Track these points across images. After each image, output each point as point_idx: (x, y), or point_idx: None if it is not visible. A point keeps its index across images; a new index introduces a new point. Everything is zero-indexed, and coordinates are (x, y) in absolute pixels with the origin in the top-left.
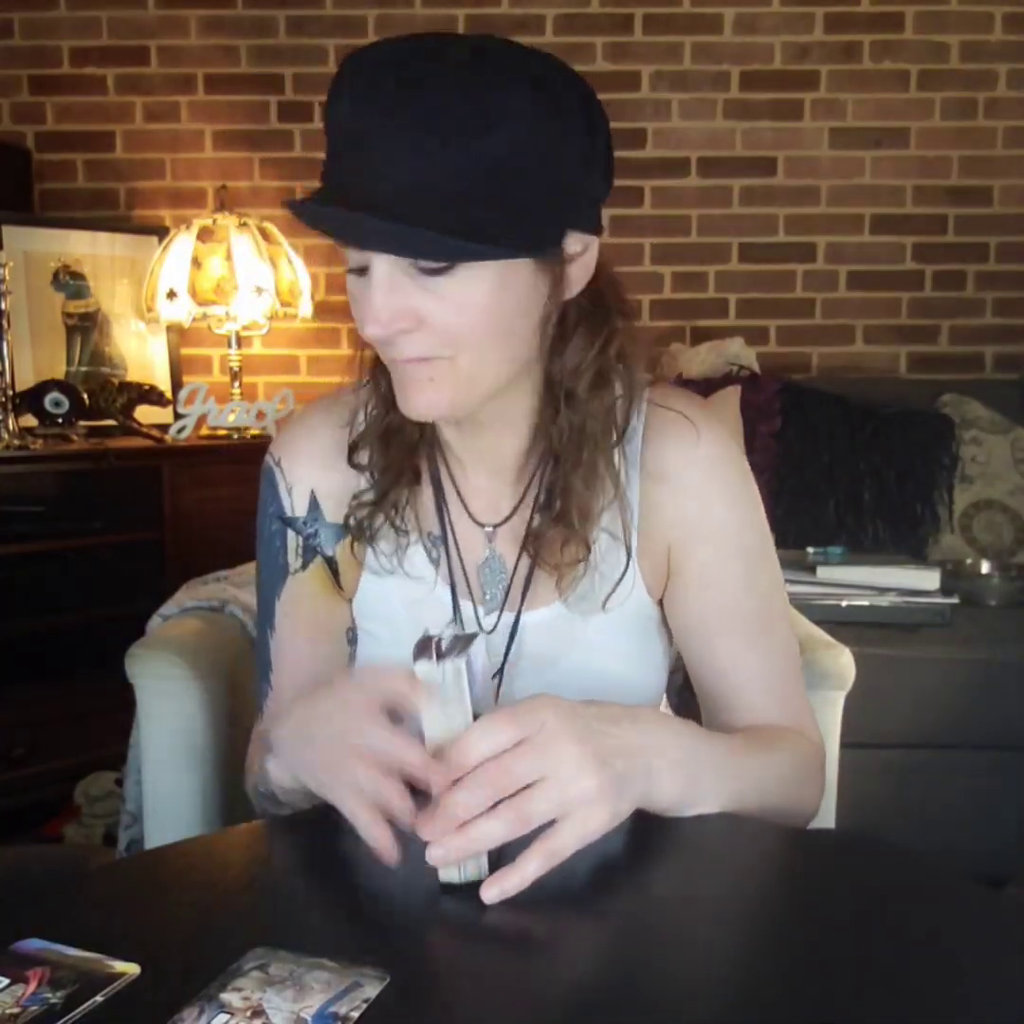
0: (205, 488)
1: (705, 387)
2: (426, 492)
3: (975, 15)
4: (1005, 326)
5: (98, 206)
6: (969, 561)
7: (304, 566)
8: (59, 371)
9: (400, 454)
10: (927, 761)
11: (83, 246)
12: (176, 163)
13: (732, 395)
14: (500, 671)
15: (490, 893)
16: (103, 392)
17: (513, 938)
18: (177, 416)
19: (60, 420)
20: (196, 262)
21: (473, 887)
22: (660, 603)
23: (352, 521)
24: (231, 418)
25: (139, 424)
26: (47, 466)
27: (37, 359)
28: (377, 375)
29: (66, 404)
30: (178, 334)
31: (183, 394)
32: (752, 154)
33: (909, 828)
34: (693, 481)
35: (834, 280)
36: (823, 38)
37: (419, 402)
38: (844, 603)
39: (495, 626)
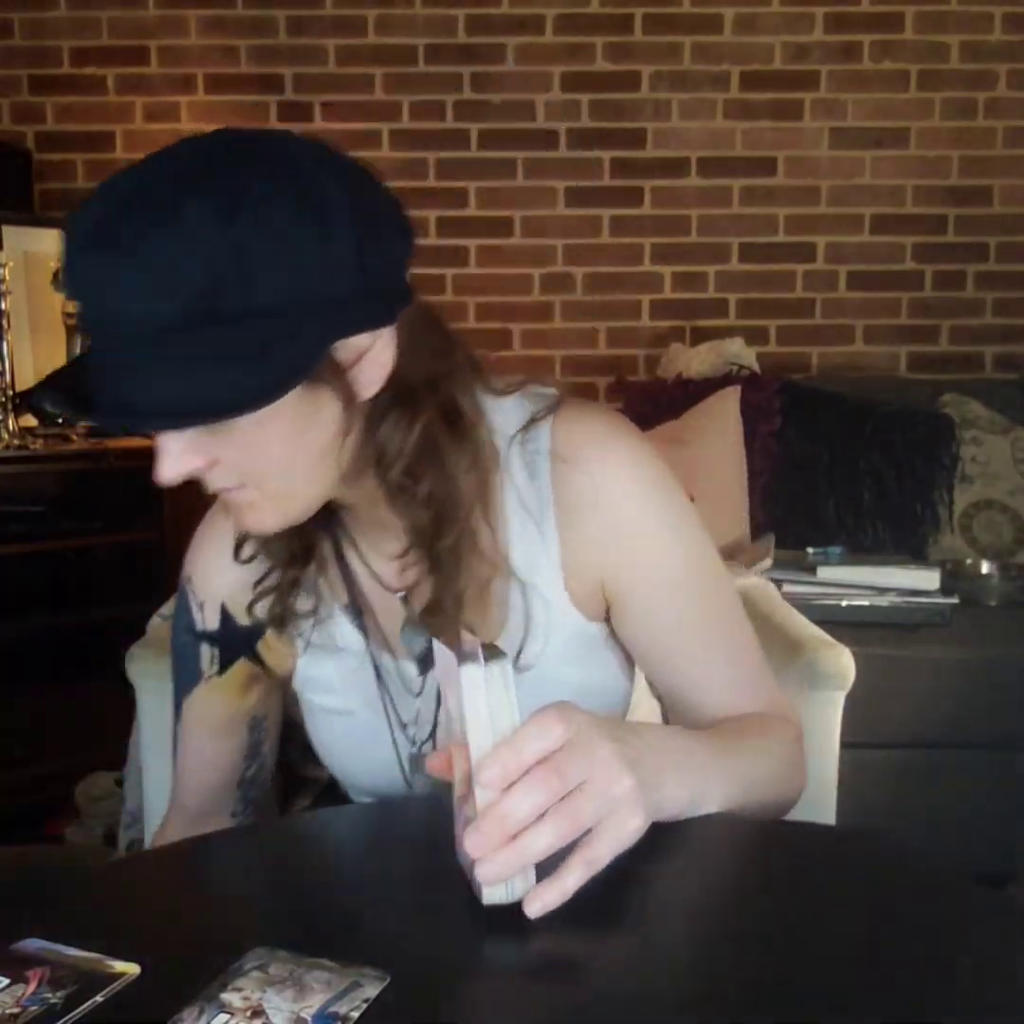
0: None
1: (705, 387)
2: (333, 566)
3: (975, 15)
4: (1005, 326)
5: None
6: (969, 561)
7: (221, 671)
8: None
9: (291, 539)
10: (927, 761)
11: None
12: None
13: (732, 395)
14: (433, 728)
15: (533, 908)
16: None
17: (513, 938)
18: None
19: (60, 420)
20: None
21: (515, 905)
22: (607, 619)
23: (262, 611)
24: None
25: None
26: (47, 466)
27: (37, 359)
28: None
29: None
30: None
31: None
32: (752, 154)
33: (909, 828)
34: (611, 506)
35: (834, 280)
36: (823, 38)
37: (247, 523)
38: (844, 603)
39: (422, 688)
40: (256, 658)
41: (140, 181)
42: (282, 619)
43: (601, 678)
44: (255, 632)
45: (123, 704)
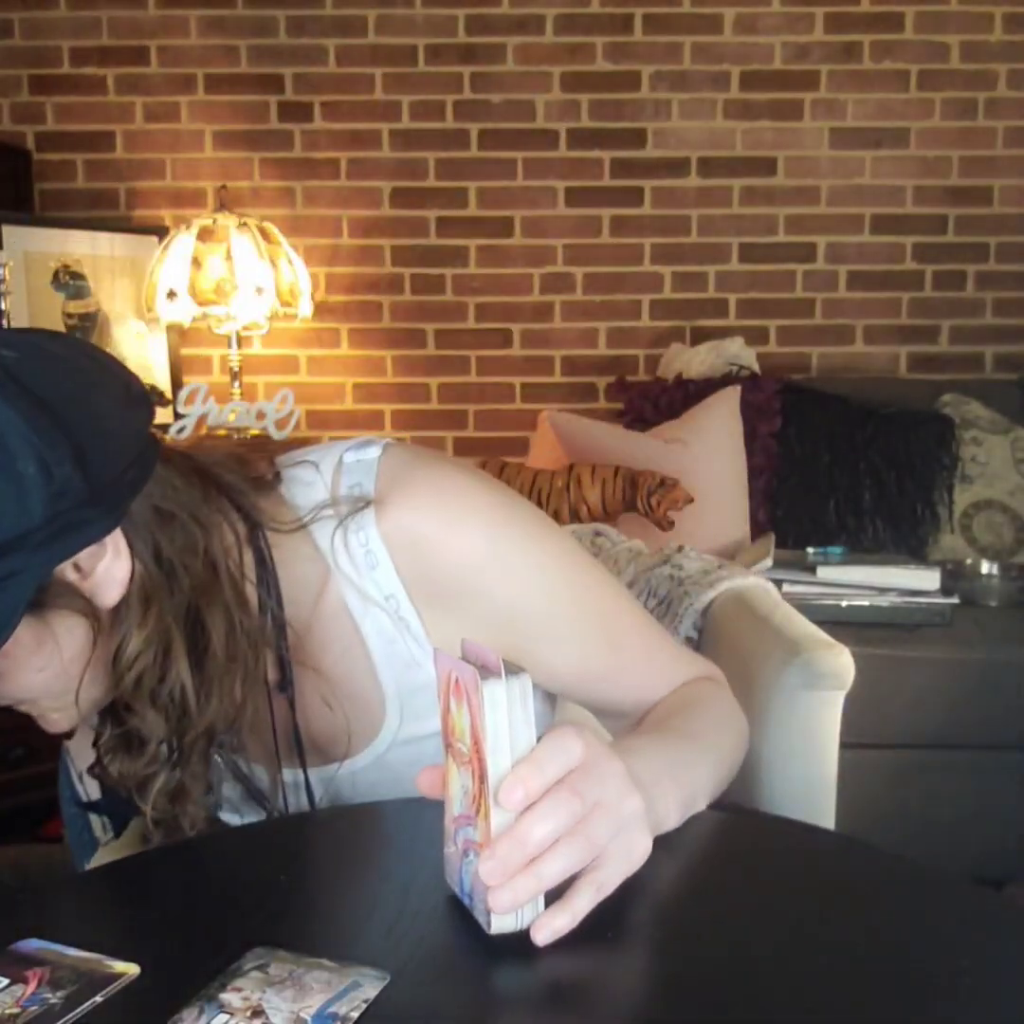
0: None
1: (705, 387)
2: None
3: (975, 15)
4: (1005, 326)
5: (98, 206)
6: (969, 561)
7: (117, 834)
8: None
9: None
10: (927, 761)
11: (83, 246)
12: (176, 163)
13: (732, 395)
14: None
15: (542, 935)
16: None
17: (514, 938)
18: (177, 416)
19: None
20: (196, 262)
21: (522, 934)
22: None
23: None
24: (231, 418)
25: None
26: None
27: None
28: None
29: None
30: (178, 334)
31: (183, 394)
32: (752, 154)
33: (909, 828)
34: (469, 582)
35: (834, 280)
36: (823, 38)
37: (47, 728)
38: (844, 603)
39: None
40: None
41: None
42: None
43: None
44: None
45: None
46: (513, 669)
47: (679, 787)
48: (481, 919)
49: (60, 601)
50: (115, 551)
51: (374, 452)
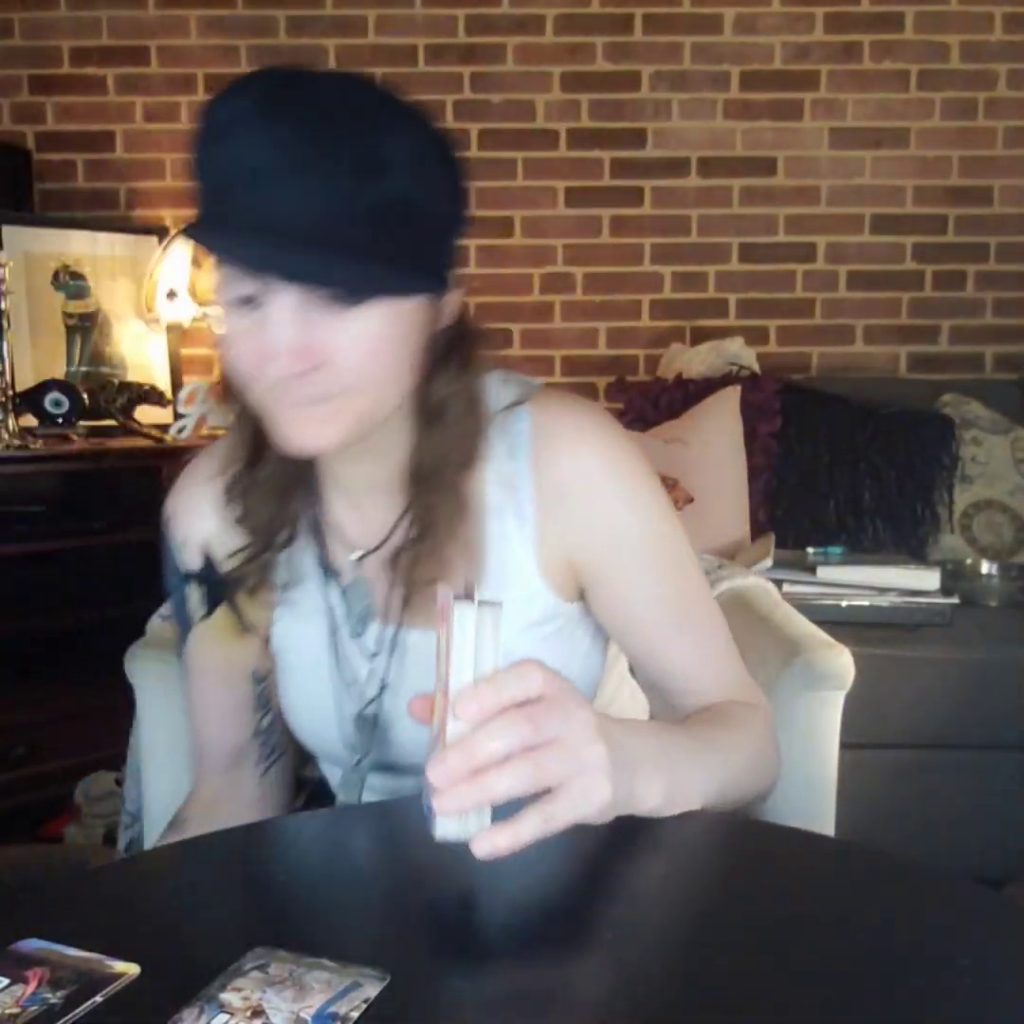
0: None
1: (705, 387)
2: (304, 528)
3: (975, 15)
4: (1005, 326)
5: (98, 206)
6: (969, 561)
7: (207, 614)
8: (59, 371)
9: (271, 506)
10: (927, 761)
11: (83, 246)
12: (176, 163)
13: (732, 395)
14: (381, 690)
15: (482, 847)
16: (103, 392)
17: (514, 938)
18: (177, 416)
19: (60, 420)
20: (196, 262)
21: (464, 846)
22: (582, 599)
23: (237, 576)
24: (231, 418)
25: (139, 424)
26: (47, 466)
27: (37, 359)
28: (241, 424)
29: (66, 404)
30: (178, 334)
31: (183, 394)
32: (752, 154)
33: (909, 828)
34: (587, 490)
35: (834, 280)
36: (823, 38)
37: (305, 438)
38: (844, 603)
39: (377, 649)
40: (236, 609)
41: (348, 96)
42: (257, 585)
43: (567, 660)
44: (235, 582)
45: (123, 704)
46: (489, 601)
47: (664, 772)
48: (430, 826)
49: (436, 296)
50: (459, 290)
51: (534, 380)
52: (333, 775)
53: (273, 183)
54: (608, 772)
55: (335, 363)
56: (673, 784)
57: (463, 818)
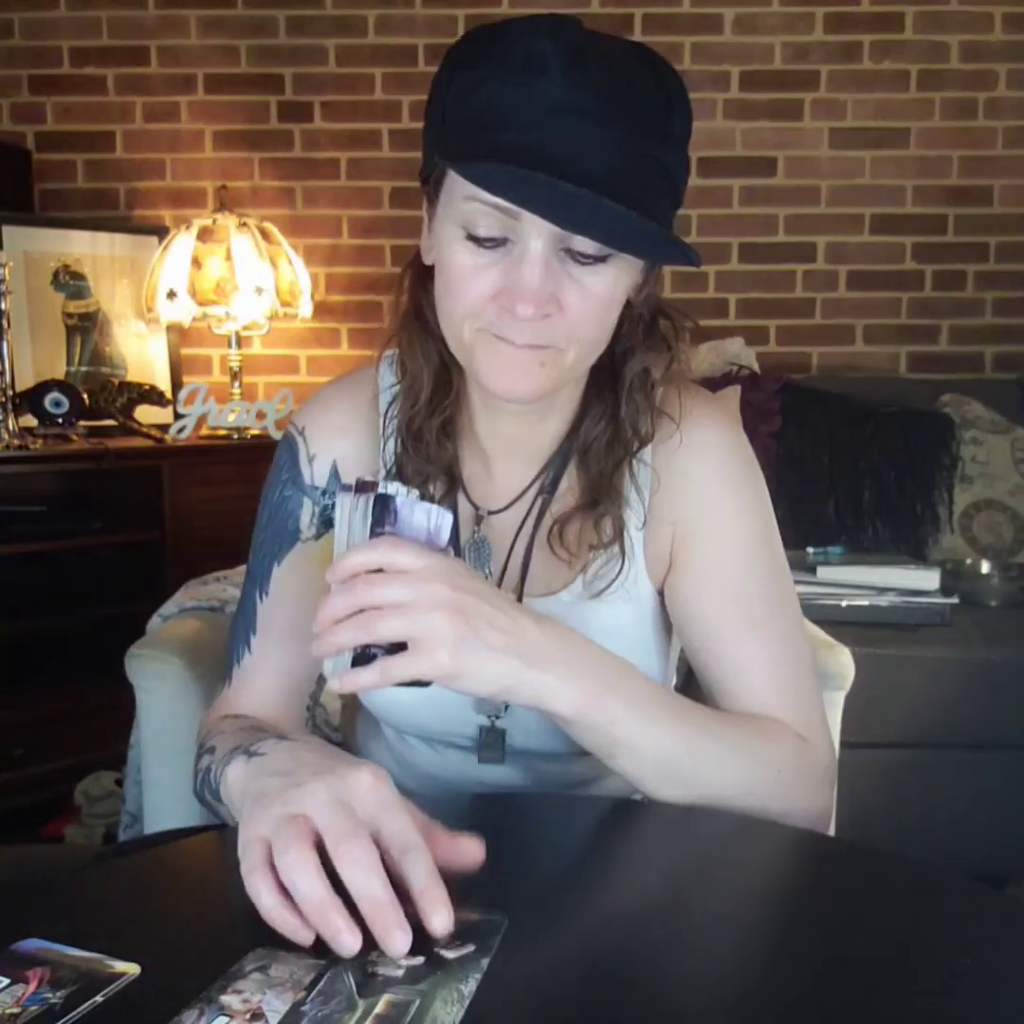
0: (205, 488)
1: (705, 387)
2: (444, 470)
3: (975, 15)
4: (1005, 326)
5: (98, 206)
6: (969, 561)
7: (317, 536)
8: (59, 371)
9: (441, 451)
10: (927, 761)
11: (83, 246)
12: (176, 163)
13: (732, 395)
14: None
15: (332, 683)
16: (103, 392)
17: (513, 939)
18: (177, 416)
19: (60, 420)
20: (196, 262)
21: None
22: (660, 593)
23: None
24: (231, 418)
25: (139, 424)
26: (47, 466)
27: (37, 359)
28: (426, 362)
29: (66, 404)
30: (178, 334)
31: (183, 394)
32: (752, 154)
33: (909, 828)
34: (696, 472)
35: (834, 280)
36: (823, 38)
37: (513, 382)
38: (844, 603)
39: None
40: None
41: (646, 64)
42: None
43: (643, 650)
44: None
45: (123, 704)
46: (369, 489)
47: (588, 683)
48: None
49: (645, 266)
50: (655, 279)
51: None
52: (398, 743)
53: (573, 124)
54: (444, 646)
55: (566, 313)
56: (596, 700)
57: (333, 662)
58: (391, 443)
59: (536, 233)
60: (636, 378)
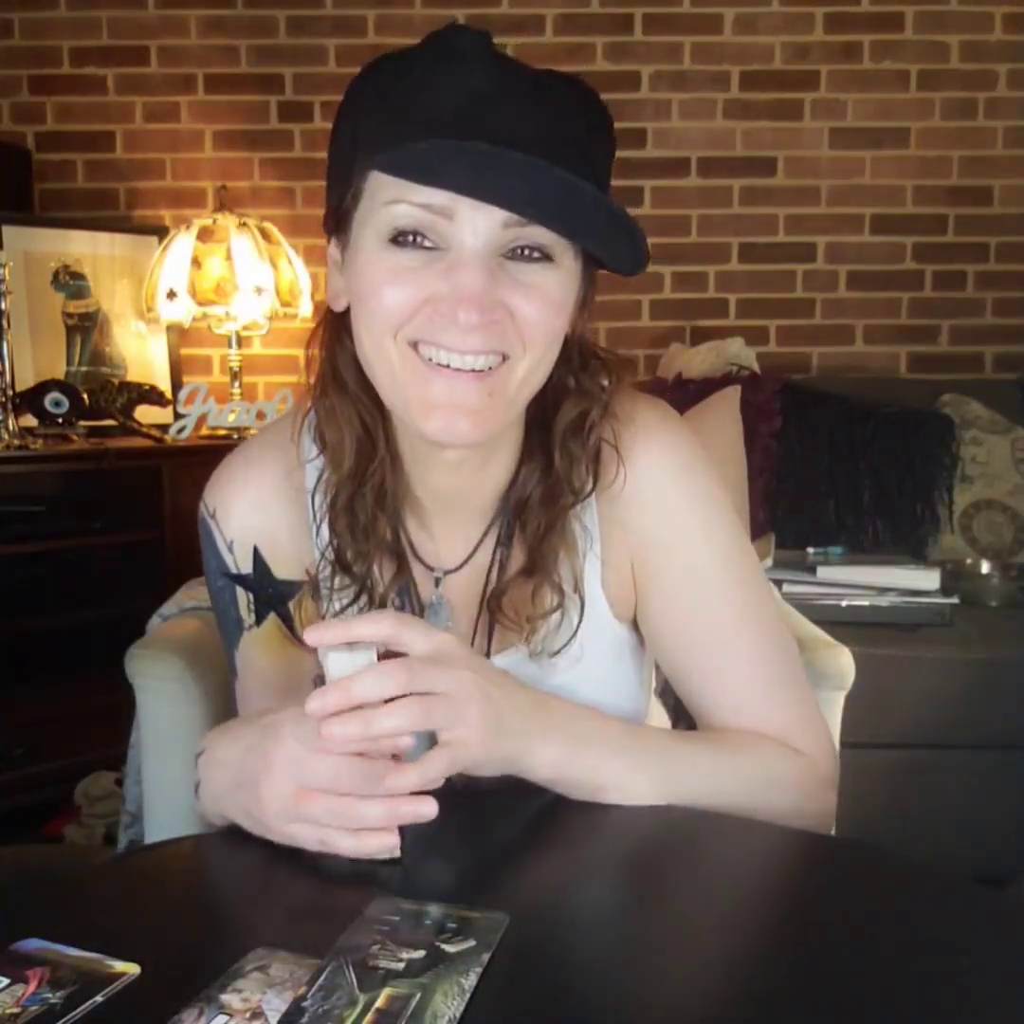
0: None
1: (705, 387)
2: (384, 549)
3: (975, 15)
4: (1005, 326)
5: (98, 206)
6: (969, 561)
7: (258, 621)
8: (59, 371)
9: (378, 525)
10: (927, 761)
11: (83, 246)
12: (176, 163)
13: (732, 395)
14: None
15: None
16: (103, 392)
17: (515, 936)
18: (177, 416)
19: (60, 420)
20: (196, 262)
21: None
22: (633, 623)
23: (319, 583)
24: (231, 418)
25: (139, 424)
26: (47, 466)
27: (37, 359)
28: (347, 425)
29: (66, 404)
30: (178, 334)
31: (183, 394)
32: (752, 154)
33: (909, 828)
34: (648, 497)
35: (834, 280)
36: (823, 38)
37: (453, 423)
38: (844, 603)
39: None
40: (287, 619)
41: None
42: (331, 594)
43: (618, 687)
44: (289, 588)
45: (123, 704)
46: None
47: (557, 746)
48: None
49: (590, 272)
50: (589, 312)
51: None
52: None
53: (511, 105)
54: (480, 733)
55: (516, 320)
56: (571, 757)
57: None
58: (324, 527)
59: (472, 232)
60: (569, 426)
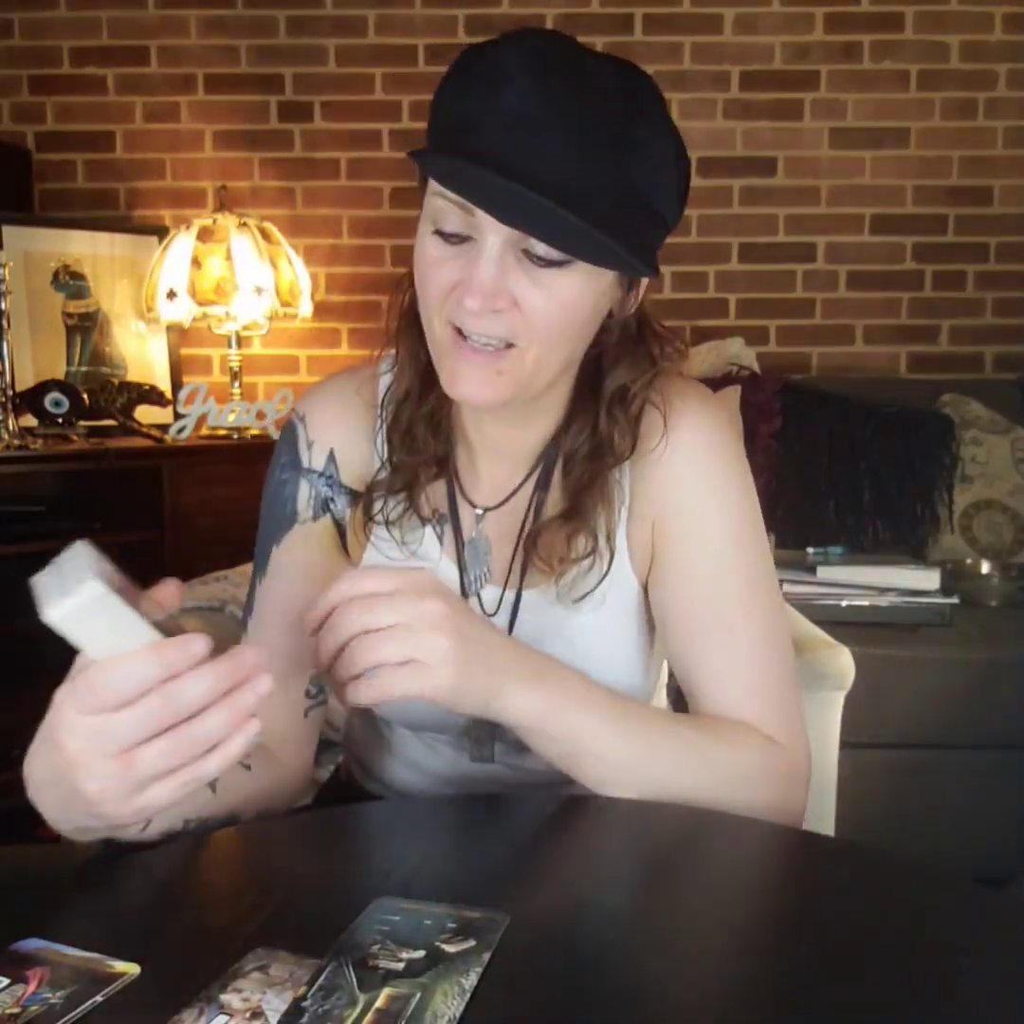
0: (205, 488)
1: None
2: (436, 481)
3: (975, 15)
4: (1005, 326)
5: (98, 206)
6: (969, 561)
7: (315, 517)
8: (59, 371)
9: (428, 446)
10: (927, 761)
11: (83, 246)
12: (176, 163)
13: (732, 395)
14: None
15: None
16: (103, 392)
17: (514, 936)
18: (177, 416)
19: (60, 420)
20: (196, 262)
21: None
22: (645, 588)
23: (370, 505)
24: (231, 418)
25: (139, 424)
26: (47, 466)
27: (37, 359)
28: (413, 359)
29: (66, 404)
30: (178, 334)
31: (183, 394)
32: (752, 154)
33: (909, 828)
34: (677, 472)
35: (834, 280)
36: (823, 38)
37: (476, 390)
38: (844, 603)
39: (498, 606)
40: (340, 526)
41: (621, 78)
42: (386, 520)
43: (630, 638)
44: (348, 497)
45: None
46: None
47: (538, 693)
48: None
49: (630, 281)
50: (645, 283)
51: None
52: (403, 733)
53: (531, 132)
54: (447, 664)
55: (521, 311)
56: (551, 711)
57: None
58: (385, 447)
59: (492, 230)
60: (615, 393)
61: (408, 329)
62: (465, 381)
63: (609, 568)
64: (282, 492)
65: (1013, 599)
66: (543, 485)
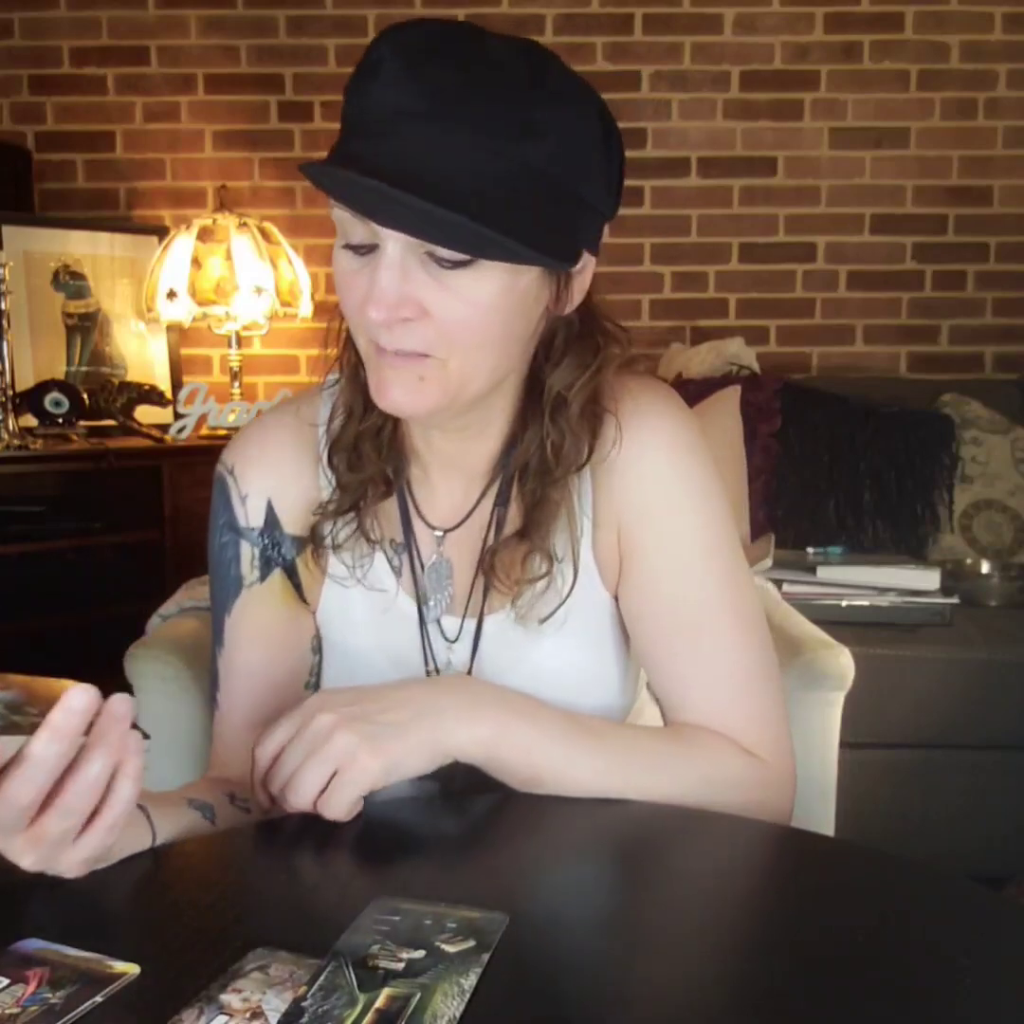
0: (205, 488)
1: (705, 387)
2: (390, 497)
3: (975, 15)
4: (1005, 326)
5: (98, 206)
6: (969, 561)
7: (261, 578)
8: (59, 371)
9: (372, 462)
10: (927, 761)
11: (83, 246)
12: (176, 163)
13: (732, 395)
14: (468, 673)
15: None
16: (103, 392)
17: (514, 936)
18: (177, 416)
19: (60, 420)
20: (196, 262)
21: None
22: (616, 597)
23: (318, 532)
24: (231, 418)
25: (139, 424)
26: (47, 466)
27: (37, 359)
28: (354, 376)
29: (66, 404)
30: (178, 334)
31: (183, 394)
32: (752, 154)
33: (909, 828)
34: (639, 468)
35: (834, 280)
36: (823, 38)
37: (401, 399)
38: (844, 603)
39: (458, 634)
40: (292, 575)
41: (514, 58)
42: (336, 546)
43: (601, 656)
44: (298, 543)
45: None
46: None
47: (478, 724)
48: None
49: (556, 270)
50: (589, 275)
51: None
52: None
53: (409, 127)
54: (364, 753)
55: (433, 318)
56: (501, 733)
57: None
58: (335, 462)
59: (389, 236)
60: (557, 397)
61: (348, 345)
62: (389, 389)
63: (573, 586)
64: (224, 556)
65: (1013, 599)
66: (503, 501)
